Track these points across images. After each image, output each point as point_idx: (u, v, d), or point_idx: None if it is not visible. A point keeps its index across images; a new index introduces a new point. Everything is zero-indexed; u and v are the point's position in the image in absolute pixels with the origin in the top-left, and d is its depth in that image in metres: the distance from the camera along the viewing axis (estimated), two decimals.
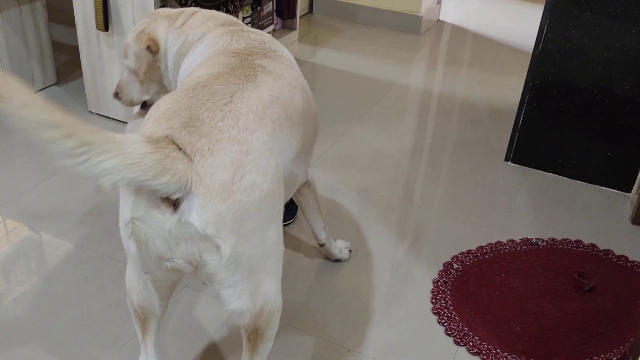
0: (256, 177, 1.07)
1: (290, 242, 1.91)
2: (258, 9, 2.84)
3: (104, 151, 0.91)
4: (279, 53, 1.41)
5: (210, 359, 1.51)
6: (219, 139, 1.06)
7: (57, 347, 1.50)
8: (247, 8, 2.74)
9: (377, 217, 2.05)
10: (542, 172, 2.38)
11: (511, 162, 2.42)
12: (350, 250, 1.87)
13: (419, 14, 3.70)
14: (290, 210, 1.96)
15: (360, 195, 2.16)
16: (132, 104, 1.66)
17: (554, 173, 2.36)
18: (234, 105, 1.13)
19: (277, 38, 3.02)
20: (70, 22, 3.17)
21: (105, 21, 2.24)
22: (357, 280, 1.78)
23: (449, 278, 1.80)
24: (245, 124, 1.11)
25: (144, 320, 1.25)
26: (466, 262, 1.86)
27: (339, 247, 1.84)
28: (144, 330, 1.27)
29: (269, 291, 1.17)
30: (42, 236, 1.86)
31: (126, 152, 0.93)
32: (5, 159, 2.22)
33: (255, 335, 1.20)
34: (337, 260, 1.84)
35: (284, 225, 1.96)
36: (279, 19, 3.08)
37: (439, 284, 1.77)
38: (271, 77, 1.27)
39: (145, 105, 1.66)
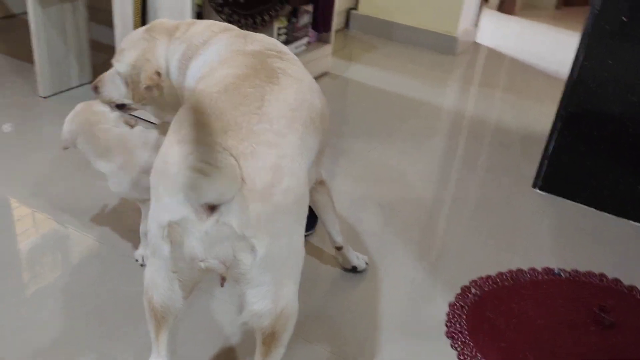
0: (291, 180, 1.10)
1: (308, 251, 1.90)
2: (294, 21, 2.86)
3: (221, 173, 0.99)
4: (290, 56, 1.42)
5: None
6: (258, 142, 1.09)
7: (69, 341, 1.52)
8: (282, 19, 2.76)
9: (398, 234, 2.03)
10: (569, 201, 2.33)
11: (539, 190, 2.38)
12: (366, 263, 1.85)
13: (455, 35, 3.68)
14: (310, 221, 1.95)
15: (384, 211, 2.15)
16: (109, 102, 1.65)
17: (582, 203, 2.31)
18: (266, 109, 1.15)
19: (311, 51, 3.04)
20: (109, 23, 3.24)
21: (142, 23, 2.28)
22: (372, 295, 1.76)
23: (466, 302, 1.77)
24: (278, 127, 1.13)
25: (160, 319, 1.25)
26: (485, 287, 1.83)
27: (356, 255, 1.83)
28: (159, 329, 1.27)
29: (290, 294, 1.18)
30: (66, 229, 1.89)
31: (225, 171, 1.00)
32: (35, 151, 2.26)
33: (271, 339, 1.19)
34: (353, 269, 1.82)
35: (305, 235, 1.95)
36: (314, 32, 3.10)
37: (456, 307, 1.75)
38: (292, 80, 1.28)
39: (123, 107, 1.66)
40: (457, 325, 1.68)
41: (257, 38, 1.45)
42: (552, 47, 4.17)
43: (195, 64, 1.45)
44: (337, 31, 3.86)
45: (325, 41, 3.16)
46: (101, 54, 3.05)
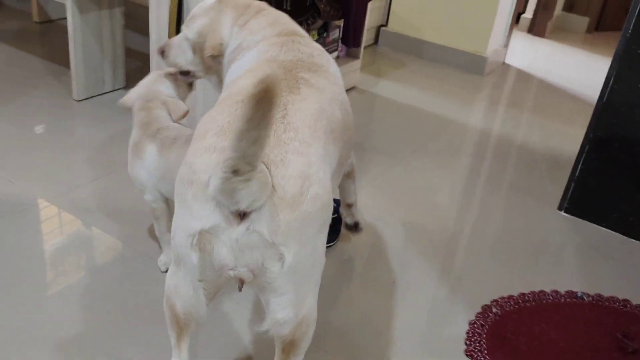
0: (318, 189, 1.11)
1: (329, 263, 1.91)
2: (324, 35, 2.89)
3: (251, 177, 0.97)
4: (325, 68, 1.42)
5: None
6: (286, 151, 1.09)
7: (88, 340, 1.54)
8: (313, 33, 2.80)
9: (420, 251, 2.03)
10: (595, 225, 2.31)
11: (564, 212, 2.36)
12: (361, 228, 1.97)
13: (484, 55, 3.68)
14: (331, 234, 1.96)
15: (406, 227, 2.15)
16: (174, 66, 1.67)
17: (607, 228, 2.29)
18: (289, 118, 1.16)
19: (340, 65, 3.05)
20: (144, 31, 3.31)
21: (177, 32, 2.33)
22: (392, 311, 1.76)
23: (487, 321, 1.75)
24: (303, 136, 1.14)
25: (183, 326, 1.25)
26: (506, 307, 1.82)
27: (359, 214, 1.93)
28: (180, 336, 1.27)
29: (311, 302, 1.19)
30: (91, 230, 1.93)
31: (260, 176, 0.99)
32: (66, 152, 2.31)
33: (290, 347, 1.20)
34: (355, 225, 1.93)
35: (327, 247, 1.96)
36: (343, 46, 3.13)
37: (476, 326, 1.73)
38: (313, 90, 1.29)
39: (187, 74, 1.68)
40: (477, 344, 1.67)
41: (294, 47, 1.44)
42: (582, 71, 4.14)
43: (234, 66, 1.48)
44: (367, 47, 3.88)
45: (355, 56, 3.18)
46: (135, 61, 3.12)
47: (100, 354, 1.50)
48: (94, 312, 1.62)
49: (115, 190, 2.12)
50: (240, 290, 1.28)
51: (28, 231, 1.88)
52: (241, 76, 1.36)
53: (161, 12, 2.37)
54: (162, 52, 1.67)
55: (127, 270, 1.78)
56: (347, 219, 1.94)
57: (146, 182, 1.67)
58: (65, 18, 2.58)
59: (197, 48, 1.59)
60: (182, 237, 1.11)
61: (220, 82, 1.63)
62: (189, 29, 1.59)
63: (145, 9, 2.42)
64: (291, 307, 1.15)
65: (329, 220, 1.20)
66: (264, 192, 1.02)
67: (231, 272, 1.10)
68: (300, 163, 1.10)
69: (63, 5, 2.57)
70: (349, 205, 1.89)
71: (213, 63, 1.57)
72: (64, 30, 3.36)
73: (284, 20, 1.56)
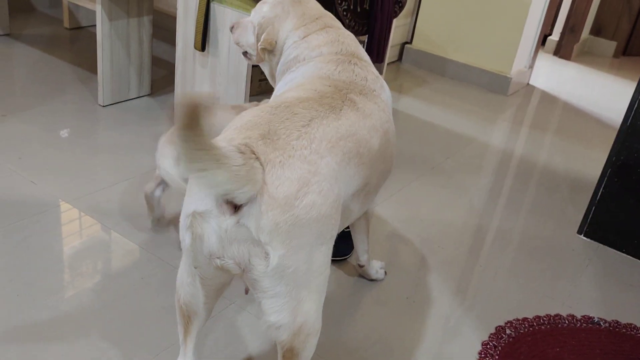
0: (317, 198, 1.11)
1: (343, 278, 1.91)
2: None
3: (219, 166, 0.97)
4: (376, 93, 1.43)
5: None
6: (291, 155, 1.11)
7: (99, 341, 1.55)
8: None
9: (435, 269, 2.02)
10: (615, 251, 2.27)
11: (584, 236, 2.33)
12: (385, 272, 1.93)
13: (508, 76, 3.67)
14: (346, 247, 1.96)
15: (422, 244, 2.14)
16: (237, 44, 1.71)
17: (627, 254, 2.25)
18: (310, 129, 1.18)
19: None
20: (171, 41, 3.36)
21: (203, 42, 2.36)
22: (404, 328, 1.75)
23: (500, 343, 1.73)
24: (317, 148, 1.16)
25: (187, 320, 1.29)
26: (520, 329, 1.79)
27: (376, 269, 1.90)
28: (186, 331, 1.31)
29: (310, 311, 1.18)
30: (110, 234, 1.95)
31: (232, 166, 1.00)
32: (90, 156, 2.35)
33: (290, 354, 1.20)
34: (373, 280, 1.90)
35: (340, 260, 1.96)
36: None
37: (488, 347, 1.72)
38: (356, 114, 1.30)
39: (246, 54, 1.72)
40: None
41: (350, 68, 1.44)
42: (607, 95, 4.11)
43: (288, 77, 1.50)
44: (390, 63, 3.90)
45: (378, 72, 3.19)
46: (161, 70, 3.17)
47: (113, 357, 1.51)
48: (109, 316, 1.64)
49: (136, 195, 2.14)
50: (246, 293, 1.30)
51: (48, 232, 1.91)
52: (290, 89, 1.38)
53: (188, 22, 2.41)
54: (232, 28, 1.71)
55: (144, 276, 1.79)
56: (362, 274, 1.92)
57: None
58: (95, 25, 2.63)
59: (255, 35, 1.61)
60: (182, 218, 1.16)
61: (271, 75, 1.65)
62: (257, 14, 1.60)
63: (173, 18, 2.46)
64: (286, 312, 1.16)
65: (330, 233, 1.18)
66: (241, 185, 1.02)
67: (218, 261, 1.13)
68: (304, 169, 1.11)
69: (93, 13, 2.62)
70: (361, 267, 1.88)
71: (263, 55, 1.60)
72: (93, 36, 3.42)
73: (347, 40, 1.54)
